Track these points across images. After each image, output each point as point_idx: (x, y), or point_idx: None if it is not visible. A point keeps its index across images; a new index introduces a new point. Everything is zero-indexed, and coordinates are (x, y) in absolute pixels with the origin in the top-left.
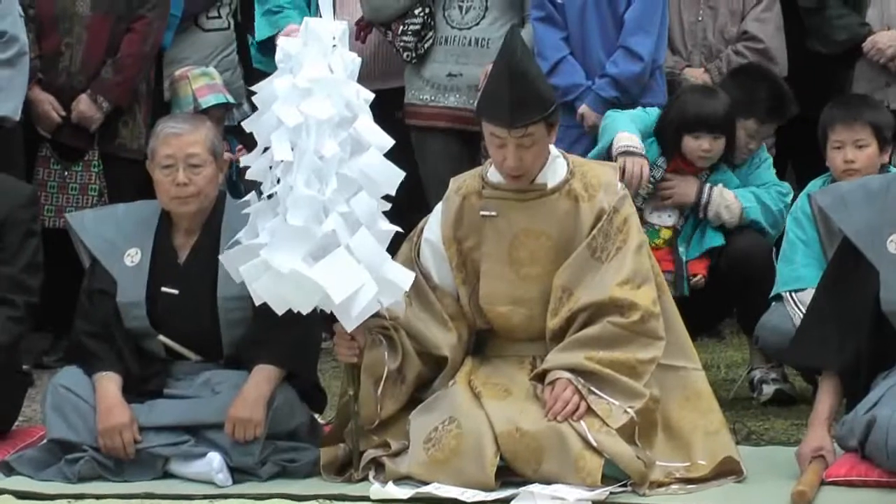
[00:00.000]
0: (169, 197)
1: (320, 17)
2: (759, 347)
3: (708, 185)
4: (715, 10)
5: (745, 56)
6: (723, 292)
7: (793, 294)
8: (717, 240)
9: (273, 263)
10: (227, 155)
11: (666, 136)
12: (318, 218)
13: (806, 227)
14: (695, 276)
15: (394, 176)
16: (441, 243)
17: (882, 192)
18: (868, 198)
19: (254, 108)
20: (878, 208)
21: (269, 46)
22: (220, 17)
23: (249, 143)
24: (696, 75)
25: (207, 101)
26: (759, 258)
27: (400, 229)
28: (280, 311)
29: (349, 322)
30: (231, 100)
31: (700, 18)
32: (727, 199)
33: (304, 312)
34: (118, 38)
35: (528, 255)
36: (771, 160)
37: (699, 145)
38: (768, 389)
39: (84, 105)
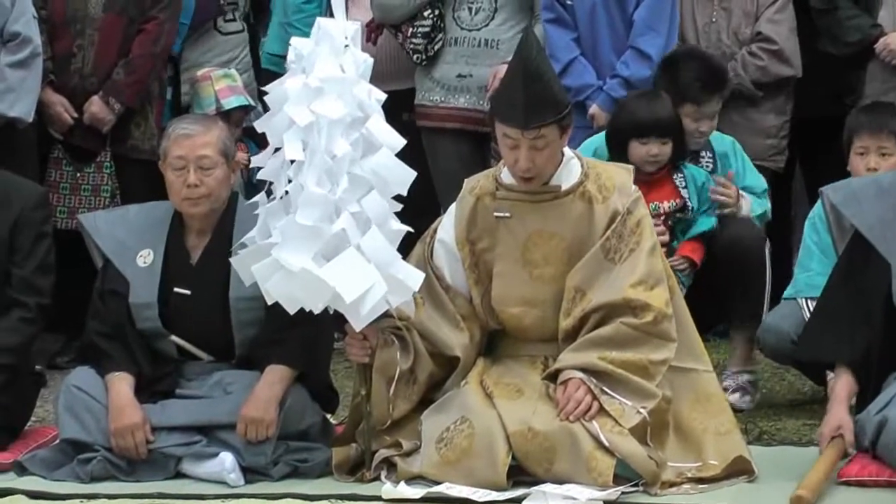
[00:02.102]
0: (180, 198)
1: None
2: (759, 348)
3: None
4: (728, 12)
5: (759, 57)
6: (719, 282)
7: (808, 301)
8: (706, 224)
9: (284, 262)
10: (240, 155)
11: (613, 145)
12: (328, 217)
13: (821, 231)
14: (682, 259)
15: (406, 175)
16: (454, 244)
17: (894, 188)
18: (880, 193)
19: (266, 109)
20: (890, 203)
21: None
22: (235, 20)
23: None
24: None
25: (230, 102)
26: (752, 244)
27: (411, 229)
28: (292, 311)
29: (358, 321)
30: (252, 102)
31: (714, 20)
32: (746, 208)
33: (316, 312)
34: (130, 39)
35: (541, 257)
36: (748, 161)
37: (647, 150)
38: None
39: (96, 107)
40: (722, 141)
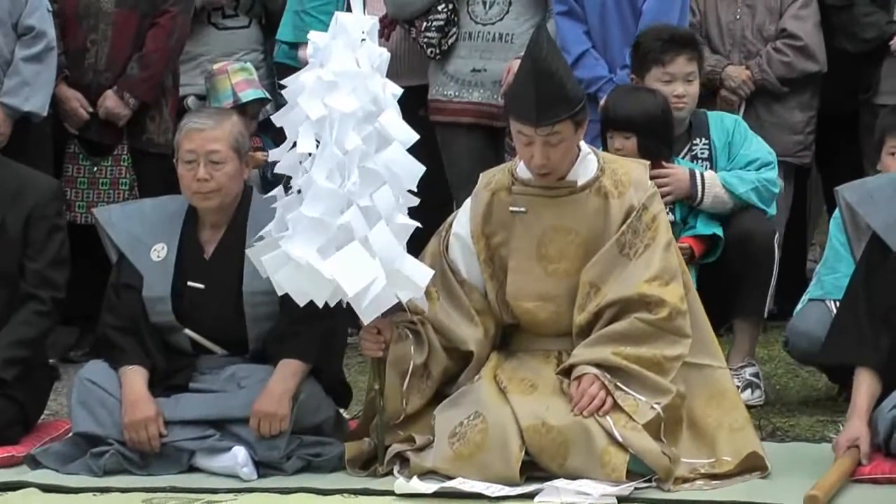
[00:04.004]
0: (190, 192)
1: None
2: (787, 351)
3: (699, 173)
4: (753, 9)
5: (784, 53)
6: (727, 276)
7: (836, 304)
8: (708, 229)
9: (290, 254)
10: (259, 154)
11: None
12: (337, 210)
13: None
14: (681, 245)
15: (415, 170)
16: (470, 238)
17: None
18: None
19: (280, 105)
20: None
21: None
22: (237, 15)
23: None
24: (737, 74)
25: (247, 95)
26: (761, 239)
27: (419, 224)
28: (301, 303)
29: (362, 315)
30: (268, 95)
31: (738, 17)
32: (718, 187)
33: (320, 304)
34: (143, 34)
35: (556, 252)
36: (752, 134)
37: (611, 144)
38: None
39: (111, 102)
40: (721, 123)
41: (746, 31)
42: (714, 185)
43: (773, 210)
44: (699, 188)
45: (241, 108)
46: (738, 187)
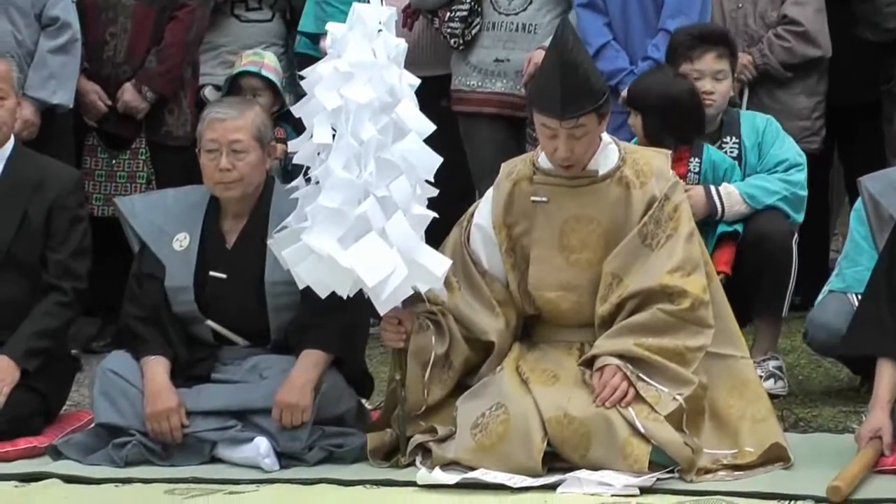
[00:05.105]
0: (213, 182)
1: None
2: (807, 342)
3: (713, 188)
4: None
5: (785, 39)
6: (745, 277)
7: (858, 297)
8: (729, 226)
9: (311, 246)
10: (279, 145)
11: None
12: (355, 201)
13: (866, 223)
14: (718, 274)
15: (432, 161)
16: (491, 228)
17: None
18: None
19: (300, 96)
20: None
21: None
22: (261, 8)
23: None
24: (740, 61)
25: (239, 67)
26: (778, 239)
27: (436, 215)
28: (322, 295)
29: (380, 305)
30: (273, 78)
31: (740, 5)
32: (739, 203)
33: (343, 295)
34: (161, 27)
35: (578, 242)
36: (783, 135)
37: (632, 121)
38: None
39: (129, 95)
40: (753, 123)
41: (749, 18)
42: (734, 200)
43: (800, 217)
44: (717, 204)
45: (233, 80)
46: (764, 199)
